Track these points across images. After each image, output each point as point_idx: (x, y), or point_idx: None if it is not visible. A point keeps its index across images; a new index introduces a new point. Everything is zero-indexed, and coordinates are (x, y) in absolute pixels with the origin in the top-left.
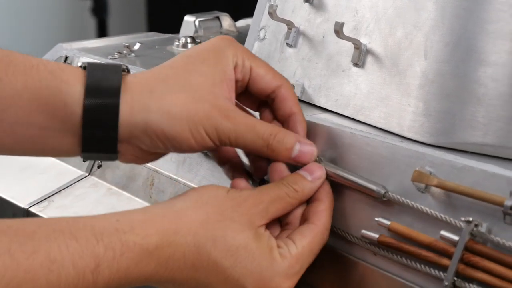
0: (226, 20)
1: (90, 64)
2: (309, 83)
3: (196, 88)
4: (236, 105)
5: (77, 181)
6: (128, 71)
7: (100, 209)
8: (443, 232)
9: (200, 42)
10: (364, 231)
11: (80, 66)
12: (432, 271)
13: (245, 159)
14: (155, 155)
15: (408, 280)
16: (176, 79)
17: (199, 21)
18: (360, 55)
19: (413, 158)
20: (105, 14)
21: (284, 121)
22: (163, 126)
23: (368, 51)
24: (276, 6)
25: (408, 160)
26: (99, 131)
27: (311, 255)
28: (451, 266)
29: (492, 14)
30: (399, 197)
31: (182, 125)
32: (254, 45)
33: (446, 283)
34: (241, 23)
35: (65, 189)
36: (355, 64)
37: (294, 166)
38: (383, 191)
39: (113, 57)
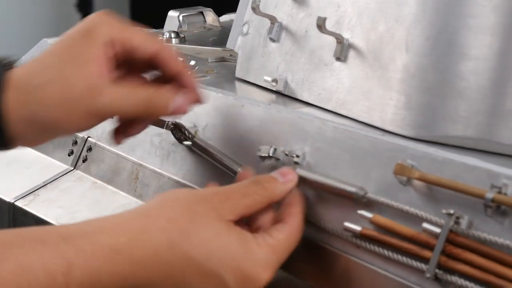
0: (210, 15)
1: None
2: (292, 77)
3: (67, 75)
4: (120, 77)
5: (62, 175)
6: (12, 64)
7: (85, 203)
8: (425, 225)
9: (184, 37)
10: (346, 224)
11: None
12: (414, 263)
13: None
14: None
15: (391, 272)
16: (50, 69)
17: (183, 16)
18: (343, 50)
19: (395, 152)
20: (90, 9)
21: (175, 82)
22: (44, 117)
23: (350, 46)
24: (259, 1)
25: (390, 153)
26: None
27: (286, 251)
28: (433, 258)
29: (473, 9)
30: (378, 197)
31: (61, 113)
32: (237, 40)
33: (428, 275)
34: (225, 18)
35: (51, 183)
36: (338, 59)
37: None
38: (362, 193)
39: None
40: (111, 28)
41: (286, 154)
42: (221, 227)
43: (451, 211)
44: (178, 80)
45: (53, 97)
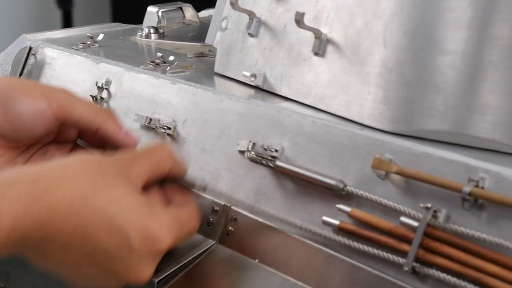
0: (189, 11)
1: None
2: (270, 72)
3: None
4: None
5: None
6: None
7: None
8: (403, 219)
9: (163, 33)
10: (324, 218)
11: None
12: (392, 257)
13: None
14: None
15: (369, 266)
16: None
17: (162, 11)
18: (321, 45)
19: (373, 146)
20: (70, 5)
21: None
22: None
23: (329, 41)
24: None
25: (368, 147)
26: None
27: (186, 227)
28: (411, 251)
29: (450, 3)
30: (357, 190)
31: None
32: (216, 35)
33: (406, 268)
34: (204, 13)
35: None
36: (316, 54)
37: None
38: (341, 185)
39: (76, 48)
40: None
41: (265, 149)
42: (130, 188)
43: (429, 205)
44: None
45: None
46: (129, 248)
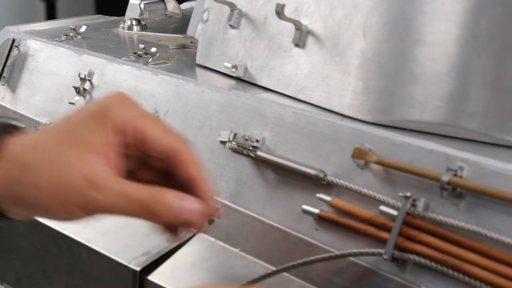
0: (171, 3)
1: None
2: (251, 63)
3: (65, 159)
4: (129, 171)
5: None
6: (14, 129)
7: None
8: (382, 208)
9: (145, 25)
10: (305, 207)
11: None
12: (372, 245)
13: None
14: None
15: (349, 254)
16: (47, 148)
17: (144, 3)
18: (301, 36)
19: (353, 136)
20: None
21: (188, 187)
22: (31, 200)
23: (309, 32)
24: None
25: (348, 137)
26: None
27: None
28: (390, 239)
29: None
30: (337, 180)
31: (51, 200)
32: (197, 27)
33: (386, 256)
34: (185, 5)
35: None
36: (296, 45)
37: None
38: (322, 175)
39: (59, 40)
40: (128, 114)
41: (246, 139)
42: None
43: (408, 194)
44: (192, 187)
45: (44, 182)
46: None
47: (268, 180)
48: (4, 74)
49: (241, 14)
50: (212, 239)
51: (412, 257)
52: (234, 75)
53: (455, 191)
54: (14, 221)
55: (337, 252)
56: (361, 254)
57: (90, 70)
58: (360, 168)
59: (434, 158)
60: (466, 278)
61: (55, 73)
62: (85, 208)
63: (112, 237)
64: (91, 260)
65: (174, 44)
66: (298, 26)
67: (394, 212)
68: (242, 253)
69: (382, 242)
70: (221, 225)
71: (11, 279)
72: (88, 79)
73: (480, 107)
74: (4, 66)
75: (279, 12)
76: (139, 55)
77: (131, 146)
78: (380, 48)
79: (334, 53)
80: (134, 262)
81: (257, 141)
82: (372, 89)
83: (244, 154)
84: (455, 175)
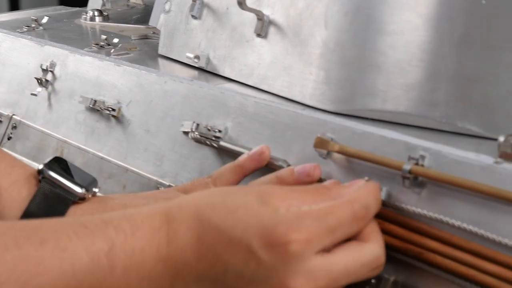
0: None
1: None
2: (214, 53)
3: None
4: None
5: None
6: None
7: None
8: None
9: (107, 15)
10: None
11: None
12: None
13: None
14: None
15: None
16: None
17: None
18: (263, 26)
19: (315, 125)
20: None
21: None
22: None
23: (271, 22)
24: None
25: (310, 127)
26: None
27: (332, 215)
28: None
29: None
30: None
31: None
32: (160, 18)
33: None
34: None
35: None
36: (258, 35)
37: None
38: (285, 165)
39: (21, 31)
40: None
41: (209, 129)
42: (252, 198)
43: None
44: None
45: None
46: (257, 260)
47: None
48: None
49: (203, 5)
50: None
51: None
52: (196, 65)
53: (417, 179)
54: None
55: None
56: None
57: (52, 61)
58: (322, 158)
59: (396, 147)
60: (428, 266)
61: (17, 64)
62: None
63: None
64: None
65: (136, 35)
66: (260, 16)
67: None
68: None
69: None
70: None
71: None
72: (50, 70)
73: (442, 96)
74: None
75: (241, 2)
76: (101, 46)
77: None
78: (341, 37)
79: (296, 43)
80: None
81: (219, 131)
82: (334, 78)
83: (207, 144)
84: (416, 164)
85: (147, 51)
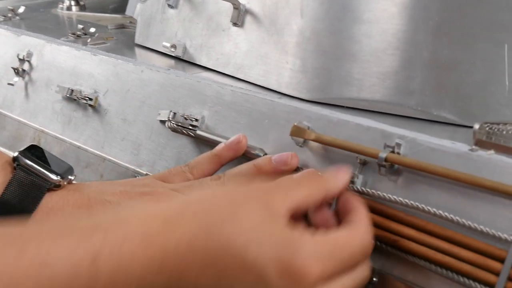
0: None
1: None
2: (190, 43)
3: None
4: None
5: None
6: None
7: None
8: None
9: (84, 5)
10: None
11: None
12: None
13: None
14: None
15: None
16: None
17: None
18: (239, 15)
19: (291, 114)
20: None
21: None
22: None
23: (247, 11)
24: None
25: (286, 115)
26: None
27: (346, 249)
28: None
29: None
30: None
31: None
32: (136, 7)
33: None
34: None
35: None
36: (235, 24)
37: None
38: (261, 154)
39: None
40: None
41: (185, 118)
42: (265, 215)
43: None
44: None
45: None
46: (267, 286)
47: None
48: None
49: None
50: None
51: None
52: (173, 54)
53: (393, 167)
54: None
55: None
56: None
57: (29, 51)
58: (298, 146)
59: (372, 135)
60: (404, 254)
61: None
62: None
63: None
64: None
65: (113, 24)
66: (236, 5)
67: None
68: None
69: None
70: None
71: None
72: (27, 60)
73: (417, 84)
74: None
75: None
76: (78, 36)
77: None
78: (317, 26)
79: (272, 32)
80: None
81: (196, 120)
82: (310, 67)
83: (184, 133)
84: (392, 151)
85: (123, 40)
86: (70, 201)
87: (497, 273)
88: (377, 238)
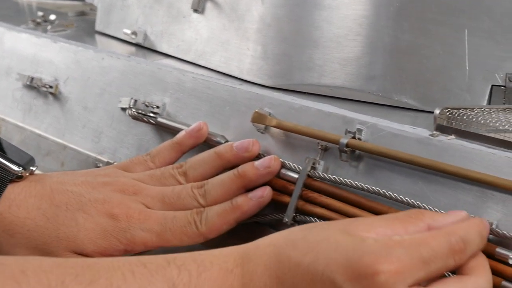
0: None
1: None
2: (151, 29)
3: None
4: None
5: None
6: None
7: None
8: (282, 171)
9: None
10: None
11: None
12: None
13: None
14: None
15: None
16: None
17: None
18: (200, 1)
19: (253, 100)
20: None
21: None
22: None
23: None
24: None
25: (248, 102)
26: None
27: (420, 252)
28: (291, 203)
29: None
30: None
31: None
32: None
33: (286, 219)
34: None
35: None
36: (195, 10)
37: None
38: (223, 141)
39: None
40: None
41: (147, 105)
42: (336, 231)
43: (308, 157)
44: None
45: None
46: None
47: None
48: None
49: None
50: None
51: (313, 219)
52: (134, 41)
53: (354, 153)
54: None
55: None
56: (262, 218)
57: None
58: (260, 132)
59: (333, 121)
60: None
61: None
62: None
63: None
64: None
65: (73, 11)
66: None
67: (294, 175)
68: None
69: (284, 205)
70: None
71: None
72: None
73: (379, 70)
74: None
75: None
76: (38, 23)
77: None
78: (278, 12)
79: (233, 18)
80: None
81: (157, 107)
82: (271, 53)
83: (144, 121)
84: (353, 137)
85: (84, 27)
86: (32, 192)
87: None
88: None
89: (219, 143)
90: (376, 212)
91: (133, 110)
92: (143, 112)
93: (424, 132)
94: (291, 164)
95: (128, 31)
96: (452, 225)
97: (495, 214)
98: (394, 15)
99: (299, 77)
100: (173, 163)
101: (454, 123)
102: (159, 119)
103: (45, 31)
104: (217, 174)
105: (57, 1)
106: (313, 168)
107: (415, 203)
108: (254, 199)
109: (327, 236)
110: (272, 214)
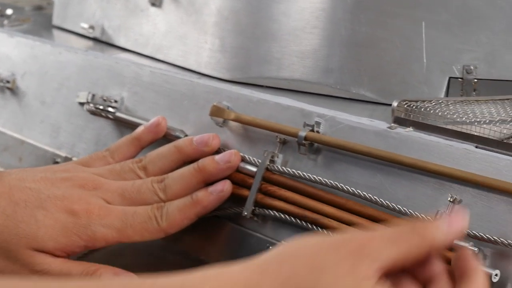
0: None
1: None
2: (108, 23)
3: None
4: None
5: None
6: None
7: None
8: (241, 165)
9: None
10: None
11: None
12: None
13: None
14: None
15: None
16: None
17: None
18: None
19: (211, 94)
20: None
21: None
22: None
23: None
24: None
25: (206, 95)
26: None
27: None
28: (250, 196)
29: None
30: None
31: None
32: None
33: (245, 213)
34: None
35: None
36: (153, 4)
37: None
38: (182, 135)
39: None
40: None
41: (105, 100)
42: (349, 281)
43: (267, 150)
44: None
45: None
46: None
47: None
48: None
49: None
50: None
51: (272, 213)
52: (91, 36)
53: (313, 146)
54: None
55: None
56: (221, 212)
57: None
58: (218, 126)
59: (291, 114)
60: (325, 231)
61: None
62: None
63: None
64: None
65: (30, 6)
66: None
67: (253, 169)
68: None
69: (243, 199)
70: None
71: None
72: None
73: (336, 62)
74: None
75: None
76: None
77: None
78: (235, 5)
79: (191, 12)
80: None
81: (115, 101)
82: (229, 46)
83: (102, 116)
84: (312, 130)
85: (41, 22)
86: None
87: None
88: (298, 216)
89: (178, 138)
90: (335, 205)
91: (91, 105)
92: (101, 107)
93: (382, 125)
94: (250, 158)
95: (86, 25)
96: None
97: (452, 205)
98: (351, 7)
99: (257, 71)
100: (132, 157)
101: (412, 116)
102: (117, 114)
103: (1, 25)
104: (176, 168)
105: None
106: (272, 161)
107: (372, 197)
108: (215, 194)
109: (341, 275)
110: (232, 208)
